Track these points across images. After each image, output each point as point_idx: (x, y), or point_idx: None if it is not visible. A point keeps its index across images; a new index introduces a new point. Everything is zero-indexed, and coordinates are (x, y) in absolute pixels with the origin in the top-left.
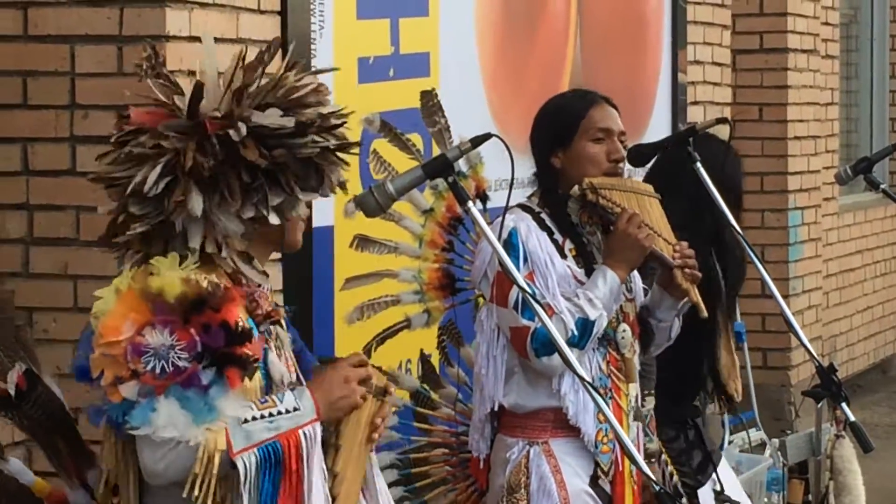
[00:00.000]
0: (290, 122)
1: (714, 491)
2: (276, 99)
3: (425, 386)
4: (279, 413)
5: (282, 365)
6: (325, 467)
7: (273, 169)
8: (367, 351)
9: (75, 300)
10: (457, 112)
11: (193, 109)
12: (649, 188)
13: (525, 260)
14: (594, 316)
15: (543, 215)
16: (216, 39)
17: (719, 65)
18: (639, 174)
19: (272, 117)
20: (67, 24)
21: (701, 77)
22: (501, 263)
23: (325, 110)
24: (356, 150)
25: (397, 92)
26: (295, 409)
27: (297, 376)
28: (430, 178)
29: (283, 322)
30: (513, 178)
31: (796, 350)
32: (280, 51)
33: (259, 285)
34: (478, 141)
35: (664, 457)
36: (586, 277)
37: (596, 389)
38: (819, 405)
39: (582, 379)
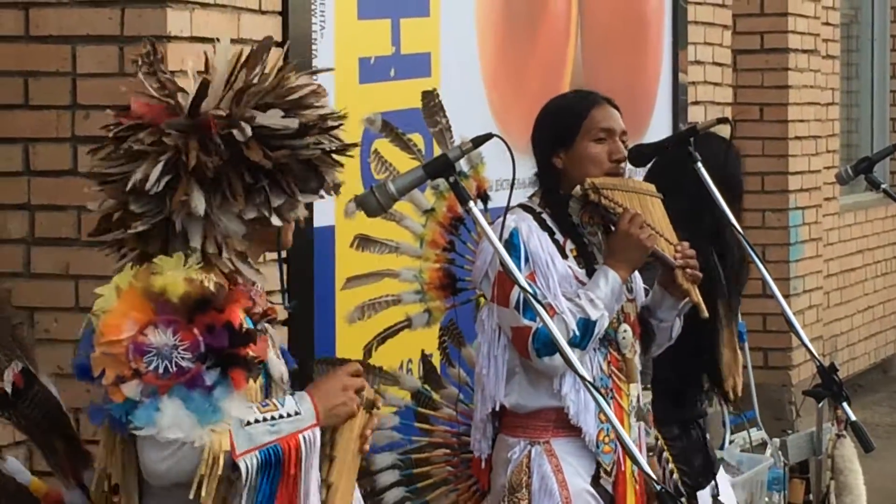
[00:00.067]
0: (293, 123)
1: (712, 496)
2: (277, 100)
3: (426, 386)
4: (281, 417)
5: (280, 364)
6: (319, 476)
7: (274, 170)
8: (368, 350)
9: (76, 300)
10: (458, 112)
11: (196, 107)
12: (651, 188)
13: (526, 260)
14: (595, 316)
15: (544, 215)
16: (216, 40)
17: (720, 65)
18: (639, 174)
19: (275, 118)
20: (69, 24)
21: (702, 77)
22: (503, 263)
23: (324, 111)
24: (353, 151)
25: (398, 92)
26: (296, 414)
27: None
28: (431, 178)
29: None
30: (514, 179)
31: (797, 350)
32: (270, 50)
33: (254, 283)
34: (479, 141)
35: (665, 454)
36: (587, 278)
37: (597, 389)
38: (820, 405)
39: (583, 379)
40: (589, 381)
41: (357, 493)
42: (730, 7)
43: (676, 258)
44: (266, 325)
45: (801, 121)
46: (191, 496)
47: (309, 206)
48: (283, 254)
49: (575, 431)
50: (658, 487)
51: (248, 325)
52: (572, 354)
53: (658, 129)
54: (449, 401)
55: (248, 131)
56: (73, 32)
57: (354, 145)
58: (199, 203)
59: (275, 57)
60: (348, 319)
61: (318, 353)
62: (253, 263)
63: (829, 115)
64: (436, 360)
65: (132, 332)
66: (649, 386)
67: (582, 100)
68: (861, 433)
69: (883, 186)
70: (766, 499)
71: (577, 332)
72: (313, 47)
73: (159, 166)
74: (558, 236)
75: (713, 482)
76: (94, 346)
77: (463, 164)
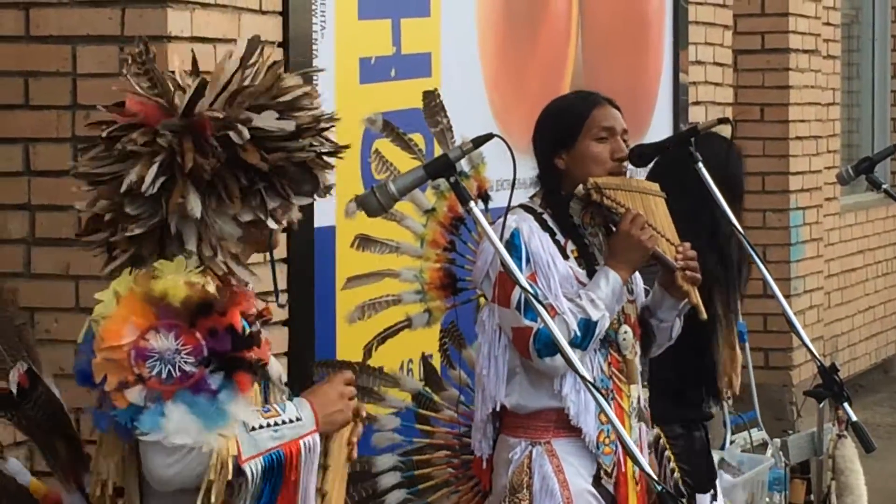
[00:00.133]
0: (290, 125)
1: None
2: (270, 101)
3: (427, 388)
4: (283, 423)
5: (277, 364)
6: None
7: (270, 173)
8: (368, 350)
9: (77, 300)
10: (458, 112)
11: (190, 108)
12: (655, 187)
13: (527, 261)
14: (596, 316)
15: (545, 216)
16: (217, 40)
17: (721, 65)
18: (640, 175)
19: (270, 120)
20: (69, 24)
21: (702, 77)
22: (504, 264)
23: (317, 113)
24: (345, 153)
25: (399, 92)
26: (297, 420)
27: None
28: (431, 178)
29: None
30: (514, 179)
31: (798, 350)
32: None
33: (246, 284)
34: (480, 141)
35: (667, 453)
36: (588, 279)
37: (598, 390)
38: (821, 405)
39: (584, 379)
40: (590, 382)
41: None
42: (731, 7)
43: (677, 259)
44: (263, 326)
45: (802, 121)
46: (199, 502)
47: (302, 209)
48: (285, 254)
49: (576, 432)
50: (659, 487)
51: (244, 326)
52: (573, 355)
53: (659, 129)
54: (450, 402)
55: (246, 134)
56: (73, 32)
57: (346, 147)
58: (195, 205)
59: (265, 56)
60: (349, 319)
61: (318, 352)
62: (245, 265)
63: (830, 116)
64: (436, 362)
65: (133, 337)
66: (645, 384)
67: (583, 100)
68: (862, 433)
69: (884, 186)
70: (767, 499)
71: (579, 333)
72: (314, 47)
73: (154, 167)
74: (559, 237)
75: (712, 490)
76: (94, 351)
77: (464, 164)
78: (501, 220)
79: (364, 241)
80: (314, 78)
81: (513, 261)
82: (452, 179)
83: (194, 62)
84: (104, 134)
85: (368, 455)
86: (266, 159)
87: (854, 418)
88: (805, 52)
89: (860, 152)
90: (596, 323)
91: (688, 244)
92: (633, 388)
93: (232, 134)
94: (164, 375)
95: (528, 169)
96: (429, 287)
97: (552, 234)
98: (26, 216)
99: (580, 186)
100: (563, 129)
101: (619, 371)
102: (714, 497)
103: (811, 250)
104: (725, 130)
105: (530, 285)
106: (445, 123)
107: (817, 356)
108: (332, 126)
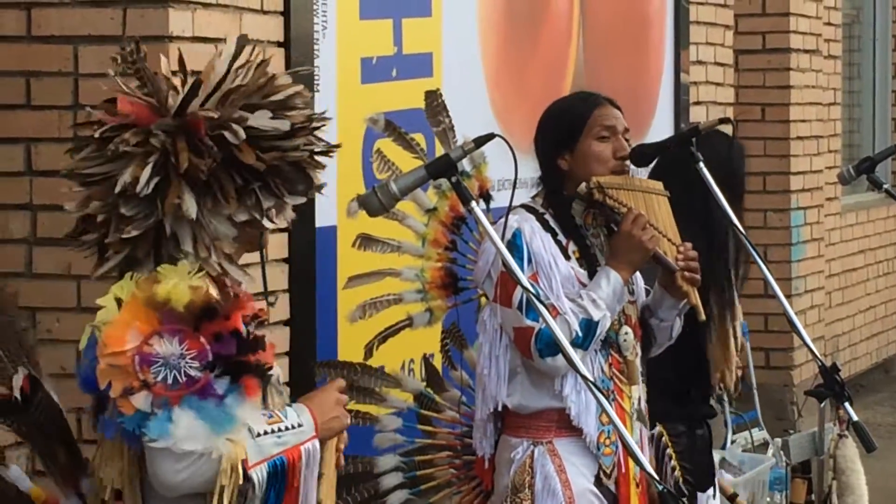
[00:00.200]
0: (284, 125)
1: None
2: (263, 100)
3: (429, 388)
4: (286, 429)
5: (276, 366)
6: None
7: (265, 173)
8: (369, 349)
9: (78, 300)
10: (459, 112)
11: (183, 107)
12: (658, 186)
13: (529, 261)
14: (598, 317)
15: (547, 216)
16: (219, 40)
17: (722, 65)
18: (642, 174)
19: (264, 120)
20: (70, 24)
21: (703, 77)
22: (505, 264)
23: (309, 112)
24: (335, 153)
25: (400, 92)
26: (299, 426)
27: None
28: (433, 178)
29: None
30: (516, 179)
31: (799, 350)
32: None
33: (240, 285)
34: (481, 141)
35: (669, 451)
36: (589, 279)
37: (600, 390)
38: (822, 405)
39: (586, 379)
40: (592, 382)
41: None
42: (731, 7)
43: (678, 259)
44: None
45: (803, 121)
46: None
47: (296, 208)
48: (286, 254)
49: (577, 431)
50: (660, 487)
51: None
52: (575, 355)
53: (660, 129)
54: (451, 403)
55: (242, 134)
56: (74, 33)
57: (338, 146)
58: (191, 206)
59: (254, 55)
60: (350, 318)
61: (320, 352)
62: (238, 265)
63: (831, 115)
64: (438, 363)
65: (137, 342)
66: (643, 382)
67: (584, 101)
68: (863, 433)
69: (885, 186)
70: (768, 499)
71: (580, 333)
72: (315, 47)
73: (148, 168)
74: (561, 237)
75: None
76: (98, 357)
77: (465, 164)
78: (503, 219)
79: (365, 241)
80: (316, 78)
81: (514, 261)
82: (454, 179)
83: (181, 61)
84: (96, 134)
85: (370, 456)
86: (262, 159)
87: (855, 418)
88: (806, 51)
89: (861, 152)
90: (597, 323)
91: (689, 244)
92: (633, 388)
93: (227, 134)
94: (169, 381)
95: (530, 169)
96: (430, 286)
97: (554, 235)
98: (28, 216)
99: (583, 185)
100: (564, 129)
101: (619, 372)
102: (714, 495)
103: (812, 250)
104: (727, 130)
105: (532, 285)
106: (447, 123)
107: (818, 356)
108: (324, 125)
